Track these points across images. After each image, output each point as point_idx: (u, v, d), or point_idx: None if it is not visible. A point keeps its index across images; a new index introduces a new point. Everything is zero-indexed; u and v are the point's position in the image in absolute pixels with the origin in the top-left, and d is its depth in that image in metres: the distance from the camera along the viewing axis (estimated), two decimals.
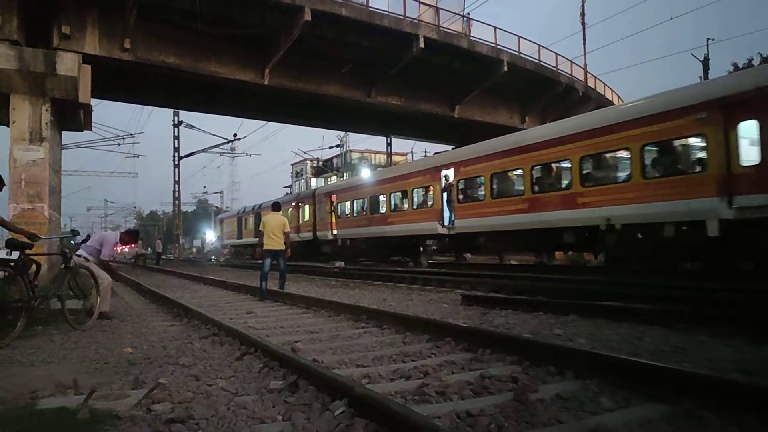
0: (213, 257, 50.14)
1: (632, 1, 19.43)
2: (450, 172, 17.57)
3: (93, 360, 4.78)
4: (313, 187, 41.64)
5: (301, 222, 29.82)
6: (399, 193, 21.05)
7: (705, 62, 26.47)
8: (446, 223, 17.75)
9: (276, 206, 11.86)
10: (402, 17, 22.05)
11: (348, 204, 24.72)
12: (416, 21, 22.30)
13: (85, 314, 6.95)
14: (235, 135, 38.16)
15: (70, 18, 17.11)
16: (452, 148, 24.02)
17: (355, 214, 24.13)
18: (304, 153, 52.19)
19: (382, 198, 22.03)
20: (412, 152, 51.21)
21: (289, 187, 69.24)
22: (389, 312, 6.51)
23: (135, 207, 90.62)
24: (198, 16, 18.09)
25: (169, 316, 7.84)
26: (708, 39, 27.00)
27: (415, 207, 19.96)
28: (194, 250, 72.77)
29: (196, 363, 4.45)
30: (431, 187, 18.80)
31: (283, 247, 10.44)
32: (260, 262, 10.46)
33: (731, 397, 2.70)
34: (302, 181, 66.93)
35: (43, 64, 15.23)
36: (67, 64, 15.62)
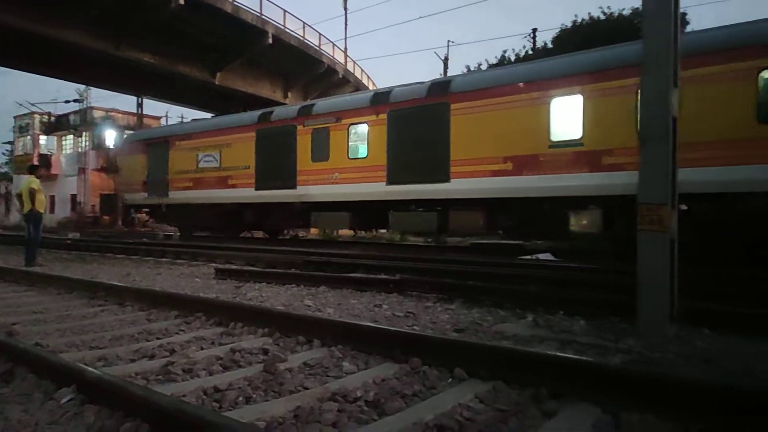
0: None
1: None
2: None
3: None
4: None
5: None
6: None
7: (445, 61, 30.04)
8: None
9: (31, 168, 10.35)
10: None
11: None
12: None
13: None
14: None
15: None
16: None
17: None
18: (32, 105, 44.26)
19: None
20: (166, 116, 47.55)
21: (10, 143, 57.98)
22: (132, 287, 6.01)
23: None
24: None
25: None
26: (449, 41, 30.63)
27: None
28: None
29: None
30: None
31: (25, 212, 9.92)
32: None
33: (448, 353, 3.16)
34: (28, 137, 56.73)
35: None
36: None
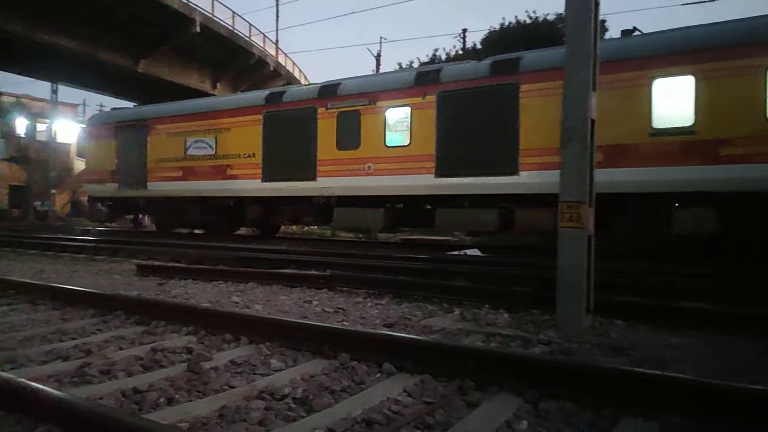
0: None
1: None
2: None
3: None
4: None
5: None
6: None
7: (377, 58, 30.16)
8: None
9: None
10: None
11: None
12: None
13: None
14: None
15: None
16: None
17: None
18: None
19: None
20: (84, 104, 45.02)
21: None
22: (45, 285, 5.65)
23: None
24: None
25: None
26: (381, 37, 30.79)
27: None
28: None
29: None
30: None
31: None
32: None
33: (377, 348, 3.19)
34: None
35: None
36: None
